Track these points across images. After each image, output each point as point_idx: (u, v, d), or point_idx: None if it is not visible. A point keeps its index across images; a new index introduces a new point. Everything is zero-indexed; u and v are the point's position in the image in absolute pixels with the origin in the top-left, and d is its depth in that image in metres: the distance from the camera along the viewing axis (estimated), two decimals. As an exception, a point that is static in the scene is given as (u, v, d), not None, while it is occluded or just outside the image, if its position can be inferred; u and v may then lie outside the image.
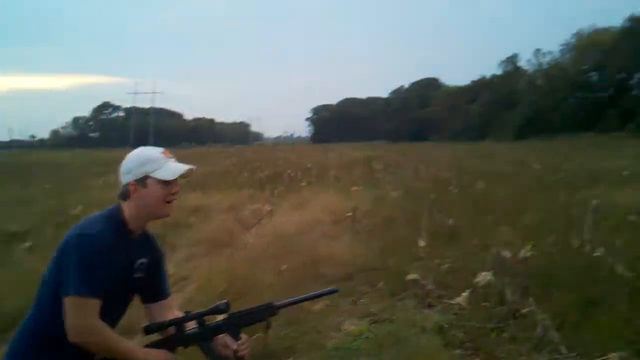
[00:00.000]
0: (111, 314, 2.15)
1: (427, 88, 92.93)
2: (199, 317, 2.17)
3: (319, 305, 4.99)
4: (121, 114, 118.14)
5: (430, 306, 5.15)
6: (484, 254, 6.06)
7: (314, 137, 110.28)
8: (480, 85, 77.22)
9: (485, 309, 4.80)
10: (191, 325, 2.19)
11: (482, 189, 12.30)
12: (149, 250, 2.29)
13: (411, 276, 5.47)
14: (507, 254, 5.57)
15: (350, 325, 4.77)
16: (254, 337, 2.65)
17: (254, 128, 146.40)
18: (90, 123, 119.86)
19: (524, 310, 4.49)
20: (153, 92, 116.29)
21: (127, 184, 2.15)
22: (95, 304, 2.01)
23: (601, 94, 57.62)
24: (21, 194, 15.82)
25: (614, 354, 3.63)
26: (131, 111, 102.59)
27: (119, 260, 2.11)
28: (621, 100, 52.93)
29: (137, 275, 2.23)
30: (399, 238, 7.55)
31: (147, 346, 2.19)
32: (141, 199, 2.14)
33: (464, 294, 4.92)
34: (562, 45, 67.03)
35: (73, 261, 1.99)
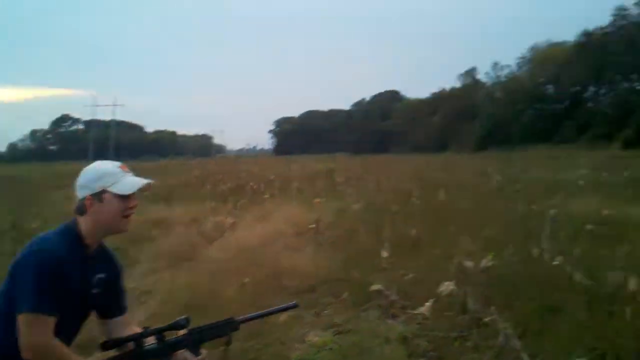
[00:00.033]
0: (67, 331, 2.10)
1: (389, 100, 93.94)
2: (158, 333, 2.14)
3: (282, 317, 4.95)
4: (81, 126, 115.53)
5: (394, 316, 5.15)
6: (447, 264, 6.11)
7: (276, 149, 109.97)
8: (441, 98, 78.76)
9: (448, 318, 4.84)
10: (150, 341, 2.15)
11: (444, 200, 12.41)
12: (107, 265, 2.25)
13: (375, 287, 5.47)
14: (469, 263, 5.66)
15: (314, 337, 4.74)
16: (217, 350, 2.61)
17: (217, 140, 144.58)
18: (49, 136, 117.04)
19: (486, 319, 4.54)
20: (114, 105, 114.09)
21: (84, 199, 2.11)
22: (50, 321, 1.96)
23: (557, 106, 59.31)
24: (-25, 209, 15.32)
25: (575, 360, 3.69)
26: (91, 124, 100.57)
27: (75, 276, 2.06)
28: (576, 113, 54.50)
29: (95, 291, 2.18)
30: (362, 249, 7.56)
31: (105, 363, 2.14)
32: (98, 213, 2.11)
33: (427, 304, 4.94)
34: (518, 58, 69.00)
35: (28, 277, 1.94)
